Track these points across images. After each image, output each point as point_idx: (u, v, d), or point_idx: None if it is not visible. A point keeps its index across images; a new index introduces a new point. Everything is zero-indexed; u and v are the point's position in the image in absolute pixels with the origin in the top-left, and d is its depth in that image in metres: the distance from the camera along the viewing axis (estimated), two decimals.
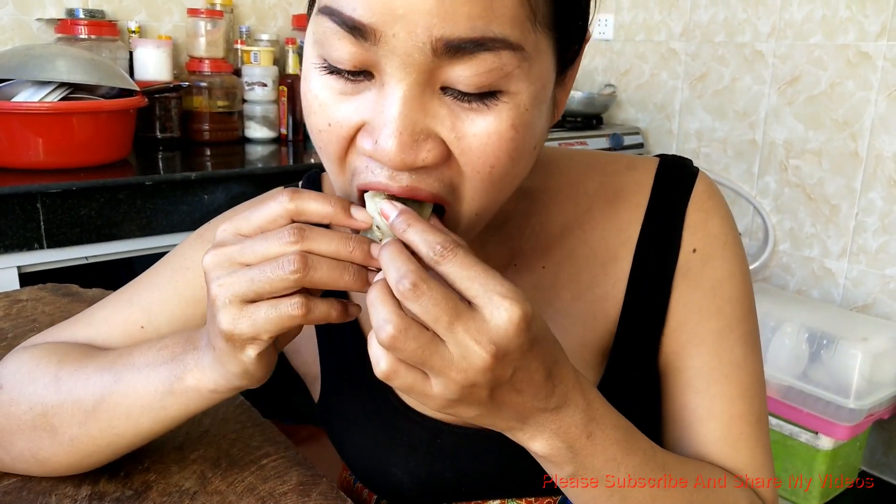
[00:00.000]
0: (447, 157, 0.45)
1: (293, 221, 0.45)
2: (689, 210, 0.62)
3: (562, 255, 0.62)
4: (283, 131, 2.25)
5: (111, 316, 0.66)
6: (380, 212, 0.45)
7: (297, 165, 1.95)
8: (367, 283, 0.44)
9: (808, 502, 1.97)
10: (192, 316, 0.65)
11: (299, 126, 2.27)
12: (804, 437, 1.93)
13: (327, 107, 0.45)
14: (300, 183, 0.69)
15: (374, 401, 0.64)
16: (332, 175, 0.49)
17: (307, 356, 0.68)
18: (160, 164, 1.88)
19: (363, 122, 0.45)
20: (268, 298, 0.45)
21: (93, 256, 1.68)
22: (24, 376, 0.59)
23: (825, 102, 2.16)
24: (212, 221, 0.69)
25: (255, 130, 2.19)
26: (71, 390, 0.56)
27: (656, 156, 0.66)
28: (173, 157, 1.97)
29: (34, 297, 1.05)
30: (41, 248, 1.58)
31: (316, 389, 0.70)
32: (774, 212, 2.32)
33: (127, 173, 1.71)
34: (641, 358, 0.63)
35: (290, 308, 0.44)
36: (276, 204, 0.45)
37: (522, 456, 0.51)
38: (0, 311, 0.99)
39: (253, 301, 0.45)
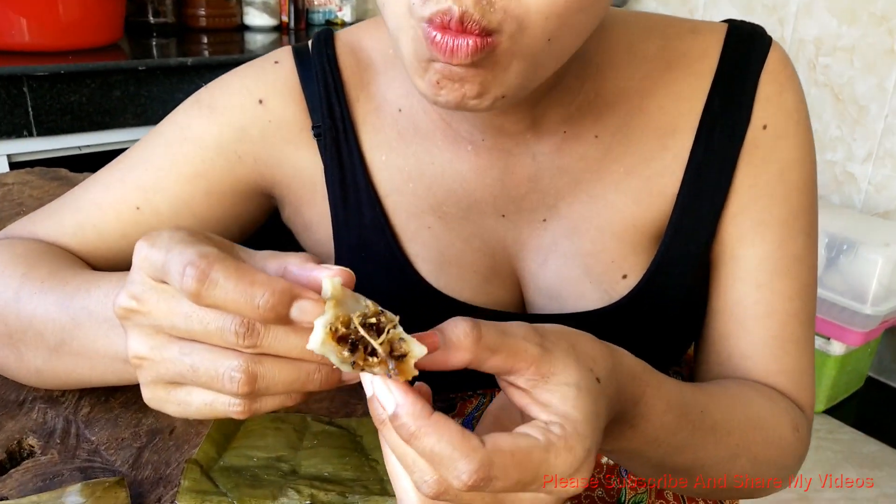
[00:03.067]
0: None
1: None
2: (761, 81, 0.56)
3: (616, 125, 0.56)
4: (285, 19, 2.12)
5: (101, 198, 0.60)
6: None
7: None
8: (336, 382, 0.37)
9: (814, 407, 1.97)
10: (193, 195, 0.59)
11: (301, 14, 2.14)
12: (816, 342, 1.91)
13: None
14: (309, 42, 0.61)
15: (395, 280, 0.59)
16: (388, 7, 0.42)
17: (319, 234, 0.62)
18: (154, 50, 1.77)
19: None
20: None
21: (86, 146, 1.60)
22: None
23: None
24: (211, 85, 0.61)
25: (255, 17, 2.07)
26: (32, 319, 0.51)
27: (724, 21, 0.58)
28: (168, 43, 1.85)
29: (21, 181, 0.99)
30: (30, 135, 1.50)
31: None
32: None
33: (118, 58, 1.60)
34: (696, 243, 0.57)
35: (229, 407, 0.36)
36: (177, 271, 0.33)
37: None
38: None
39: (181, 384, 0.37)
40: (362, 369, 0.33)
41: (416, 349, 0.33)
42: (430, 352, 0.33)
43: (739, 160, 0.56)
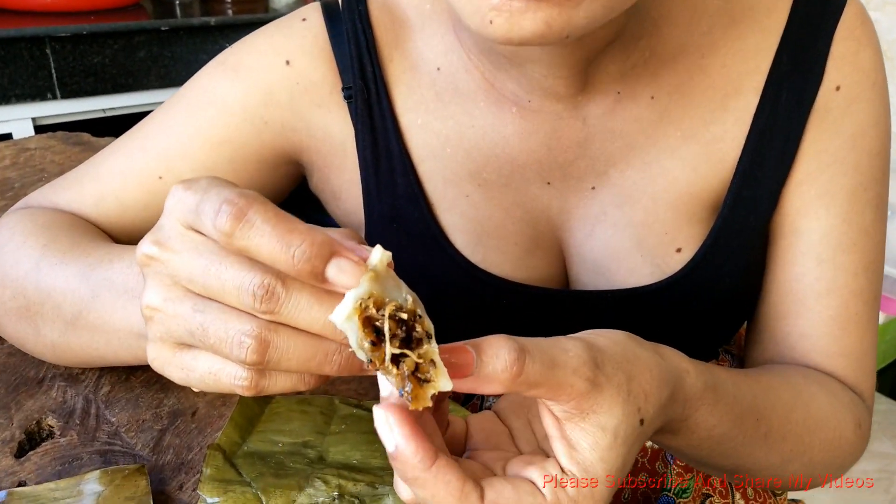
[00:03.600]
0: None
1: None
2: (836, 38, 0.51)
3: (674, 85, 0.52)
4: None
5: (122, 167, 0.57)
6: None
7: None
8: (357, 370, 0.33)
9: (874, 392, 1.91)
10: (218, 162, 0.56)
11: None
12: None
13: None
14: None
15: (428, 253, 0.55)
16: None
17: (349, 203, 0.58)
18: (177, 10, 1.73)
19: None
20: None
21: (110, 109, 1.57)
22: (9, 257, 0.52)
23: None
24: (235, 45, 0.57)
25: None
26: (51, 291, 0.48)
27: None
28: (191, 2, 1.81)
29: (43, 146, 0.96)
30: (54, 98, 1.48)
31: None
32: None
33: (140, 18, 1.57)
34: (757, 214, 0.54)
35: (234, 380, 0.32)
36: (212, 209, 0.30)
37: (592, 323, 0.43)
38: (7, 160, 0.91)
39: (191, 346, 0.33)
40: (377, 368, 0.29)
41: (441, 383, 0.29)
42: (459, 377, 0.30)
43: (808, 124, 0.51)
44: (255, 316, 0.30)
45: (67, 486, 0.43)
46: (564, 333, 0.35)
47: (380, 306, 0.29)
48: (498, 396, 0.52)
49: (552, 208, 0.55)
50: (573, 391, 0.31)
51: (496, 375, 0.30)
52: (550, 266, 0.56)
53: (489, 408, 0.44)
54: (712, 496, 0.65)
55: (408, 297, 0.30)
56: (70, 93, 1.49)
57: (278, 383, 0.33)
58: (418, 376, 0.29)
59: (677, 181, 0.52)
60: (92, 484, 0.43)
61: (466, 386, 0.30)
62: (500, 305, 0.56)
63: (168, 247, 0.32)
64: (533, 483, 0.31)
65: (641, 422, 0.33)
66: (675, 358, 0.38)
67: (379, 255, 0.30)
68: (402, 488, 0.33)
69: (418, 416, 0.31)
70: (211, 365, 0.32)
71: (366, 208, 0.57)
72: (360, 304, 0.28)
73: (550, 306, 0.56)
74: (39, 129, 1.49)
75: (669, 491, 0.63)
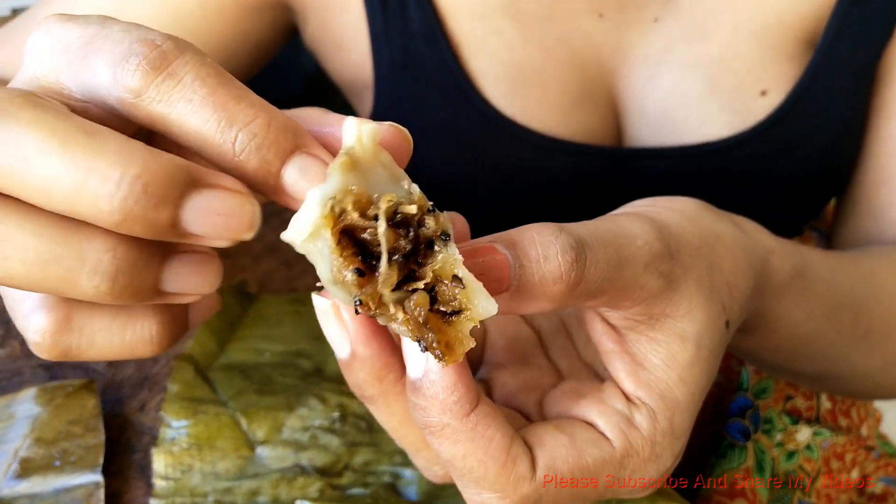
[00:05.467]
0: None
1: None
2: None
3: None
4: None
5: (64, 11, 0.46)
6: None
7: None
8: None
9: None
10: (184, 4, 0.46)
11: None
12: None
13: None
14: None
15: (452, 106, 0.47)
16: None
17: (354, 53, 0.49)
18: None
19: None
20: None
21: None
22: None
23: None
24: None
25: None
26: None
27: None
28: None
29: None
30: None
31: (366, 101, 0.52)
32: None
33: None
34: (867, 47, 0.46)
35: (140, 332, 0.20)
36: (118, 53, 0.19)
37: (654, 189, 0.34)
38: None
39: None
40: (371, 313, 0.18)
41: (480, 306, 0.18)
42: (494, 294, 0.19)
43: None
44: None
45: None
46: (621, 203, 0.27)
47: (364, 208, 0.17)
48: None
49: (605, 46, 0.47)
50: (643, 293, 0.23)
51: (545, 287, 0.20)
52: (602, 119, 0.48)
53: None
54: (794, 397, 0.56)
55: (412, 191, 0.18)
56: None
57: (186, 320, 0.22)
58: (439, 309, 0.18)
59: (764, 6, 0.45)
60: (27, 404, 0.34)
61: (501, 308, 0.19)
62: (540, 168, 0.47)
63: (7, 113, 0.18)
64: (591, 425, 0.23)
65: (727, 324, 0.26)
66: (757, 234, 0.30)
67: (355, 131, 0.18)
68: (424, 462, 0.24)
69: None
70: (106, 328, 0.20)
71: (374, 56, 0.48)
72: (332, 208, 0.17)
73: (603, 168, 0.47)
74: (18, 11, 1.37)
75: (747, 391, 0.54)
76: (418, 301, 0.18)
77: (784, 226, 0.54)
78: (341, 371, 0.22)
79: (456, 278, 0.18)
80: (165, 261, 0.19)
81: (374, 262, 0.17)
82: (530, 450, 0.21)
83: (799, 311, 0.33)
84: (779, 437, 0.52)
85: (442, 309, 0.18)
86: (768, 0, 0.45)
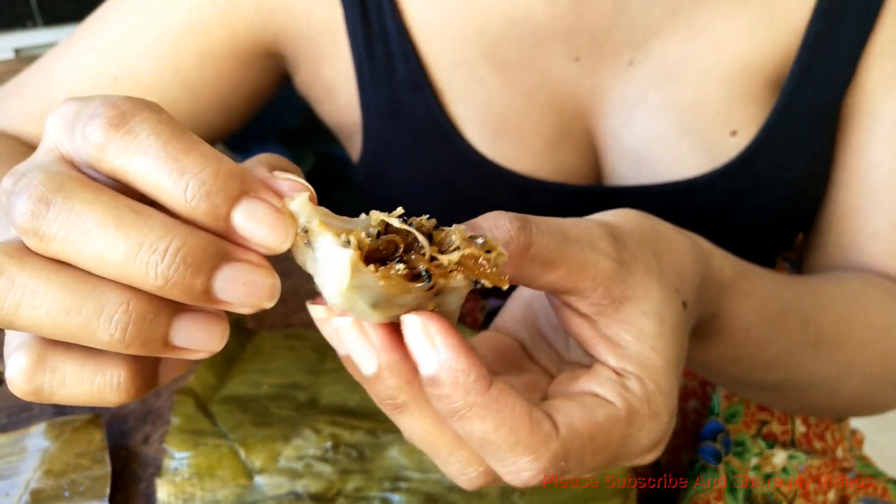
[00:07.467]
0: None
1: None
2: None
3: None
4: None
5: (71, 68, 0.51)
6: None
7: None
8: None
9: None
10: (181, 58, 0.49)
11: None
12: None
13: None
14: None
15: (436, 150, 0.48)
16: None
17: (342, 97, 0.51)
18: None
19: None
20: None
21: None
22: None
23: None
24: None
25: None
26: None
27: None
28: None
29: (12, 71, 0.88)
30: (35, 25, 1.38)
31: (356, 144, 0.53)
32: None
33: None
34: (830, 88, 0.47)
35: (108, 378, 0.22)
36: (87, 114, 0.21)
37: None
38: None
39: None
40: (429, 283, 0.21)
41: (500, 246, 0.22)
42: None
43: None
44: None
45: (8, 442, 0.36)
46: None
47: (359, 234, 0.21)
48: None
49: (582, 89, 0.48)
50: (597, 272, 0.25)
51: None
52: (581, 160, 0.49)
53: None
54: (770, 422, 0.57)
55: (371, 217, 0.21)
56: (52, 19, 1.40)
57: (170, 371, 0.24)
58: (464, 263, 0.21)
59: (733, 51, 0.46)
60: (37, 439, 0.36)
61: None
62: (522, 208, 0.47)
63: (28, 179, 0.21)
64: (595, 395, 0.25)
65: (684, 304, 0.28)
66: (697, 238, 0.32)
67: (298, 198, 0.21)
68: (459, 465, 0.25)
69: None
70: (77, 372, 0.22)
71: (362, 102, 0.49)
72: (348, 241, 0.20)
73: (582, 206, 0.47)
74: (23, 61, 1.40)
75: (717, 415, 0.56)
76: (460, 240, 0.21)
77: (756, 258, 0.57)
78: (367, 390, 0.23)
79: (472, 238, 0.21)
80: (175, 316, 0.21)
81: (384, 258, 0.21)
82: (550, 414, 0.23)
83: (748, 312, 0.34)
84: (755, 461, 0.53)
85: (465, 263, 0.21)
86: (735, 46, 0.46)
